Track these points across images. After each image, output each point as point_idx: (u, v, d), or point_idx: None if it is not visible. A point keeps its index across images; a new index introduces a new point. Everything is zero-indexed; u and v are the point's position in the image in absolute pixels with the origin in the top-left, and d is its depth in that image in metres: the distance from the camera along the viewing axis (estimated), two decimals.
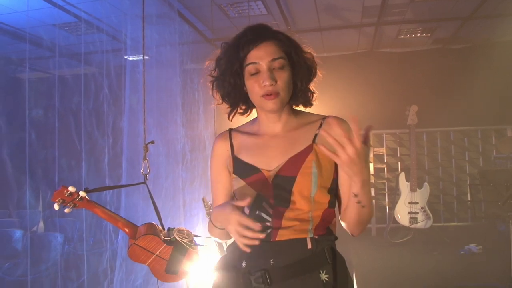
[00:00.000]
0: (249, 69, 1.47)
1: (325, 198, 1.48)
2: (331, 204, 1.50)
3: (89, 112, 4.61)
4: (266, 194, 1.47)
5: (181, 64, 5.39)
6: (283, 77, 1.46)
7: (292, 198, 1.44)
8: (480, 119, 6.70)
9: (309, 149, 1.48)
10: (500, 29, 6.27)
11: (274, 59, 1.45)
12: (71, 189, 2.26)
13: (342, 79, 6.68)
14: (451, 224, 6.84)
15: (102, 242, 4.81)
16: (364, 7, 5.56)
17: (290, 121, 1.57)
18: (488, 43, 6.82)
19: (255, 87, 1.47)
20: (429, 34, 6.71)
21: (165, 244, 2.34)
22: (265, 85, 1.44)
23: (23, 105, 4.56)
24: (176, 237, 2.36)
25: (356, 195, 1.34)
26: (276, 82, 1.44)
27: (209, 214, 3.38)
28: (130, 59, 5.06)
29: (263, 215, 1.47)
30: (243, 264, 1.48)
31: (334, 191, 1.51)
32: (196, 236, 2.46)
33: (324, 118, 1.57)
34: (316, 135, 1.52)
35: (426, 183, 6.04)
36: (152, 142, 2.79)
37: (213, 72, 1.59)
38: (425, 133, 7.05)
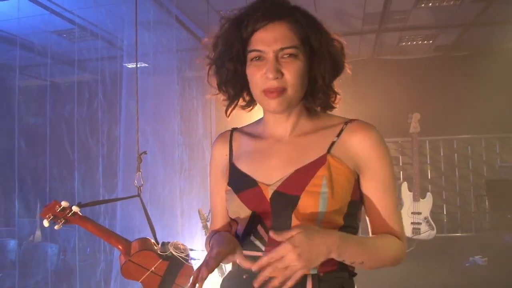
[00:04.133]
0: (252, 55, 1.18)
1: (335, 225, 1.17)
2: (343, 231, 1.16)
3: (82, 120, 4.52)
4: (263, 214, 1.18)
5: (179, 71, 5.32)
6: (293, 69, 1.14)
7: (293, 223, 1.14)
8: (484, 127, 6.61)
9: (321, 161, 1.17)
10: (503, 35, 6.20)
11: (283, 48, 1.14)
12: (64, 204, 2.14)
13: (342, 87, 6.57)
14: (455, 235, 6.72)
15: (100, 252, 4.71)
16: (365, 14, 5.50)
17: (302, 123, 1.27)
18: (490, 49, 6.74)
19: (256, 76, 1.17)
20: (430, 41, 6.64)
21: (160, 260, 2.24)
22: (267, 78, 1.14)
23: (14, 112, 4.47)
24: (173, 252, 2.25)
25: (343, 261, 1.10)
26: (282, 75, 1.14)
27: (205, 227, 3.28)
28: (129, 66, 4.99)
29: (257, 242, 1.19)
30: None
31: (352, 218, 1.21)
32: (192, 250, 2.35)
33: (346, 122, 1.25)
34: (333, 143, 1.20)
35: (429, 192, 5.93)
36: (145, 152, 2.68)
37: (210, 54, 1.27)
38: (427, 142, 6.96)
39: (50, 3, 4.54)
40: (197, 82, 5.81)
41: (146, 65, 5.14)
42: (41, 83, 5.88)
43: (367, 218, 1.26)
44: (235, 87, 1.26)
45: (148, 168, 4.91)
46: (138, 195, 2.63)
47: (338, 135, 1.22)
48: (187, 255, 2.27)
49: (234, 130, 1.40)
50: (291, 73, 1.15)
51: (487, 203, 5.54)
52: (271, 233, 1.03)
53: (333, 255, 1.05)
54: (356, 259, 1.11)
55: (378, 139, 1.21)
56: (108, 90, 4.59)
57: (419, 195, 5.80)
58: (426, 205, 5.81)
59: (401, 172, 7.03)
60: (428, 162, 6.98)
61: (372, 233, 1.24)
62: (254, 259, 1.08)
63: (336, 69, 1.26)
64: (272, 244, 1.09)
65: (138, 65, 5.16)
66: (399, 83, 6.89)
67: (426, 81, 6.82)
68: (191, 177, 5.55)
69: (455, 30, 6.23)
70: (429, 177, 6.96)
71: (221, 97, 1.30)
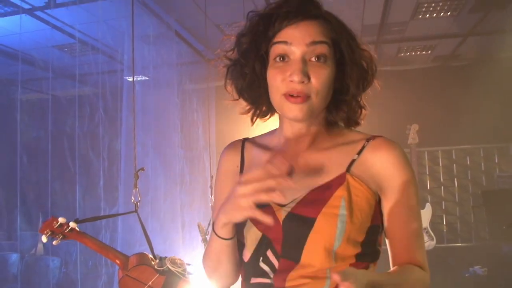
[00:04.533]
0: (275, 49, 1.05)
1: (353, 251, 1.04)
2: (361, 258, 1.05)
3: (83, 134, 4.56)
4: (274, 238, 1.05)
5: (179, 85, 5.37)
6: (322, 75, 1.02)
7: (305, 248, 1.02)
8: (482, 137, 6.61)
9: (339, 181, 1.05)
10: (501, 45, 6.21)
11: (314, 42, 1.02)
12: (61, 220, 2.18)
13: None
14: (455, 245, 6.71)
15: (101, 265, 4.73)
16: (363, 25, 5.53)
17: (322, 137, 1.14)
18: (489, 59, 6.75)
19: (277, 80, 1.04)
20: (429, 52, 6.66)
21: (158, 274, 2.26)
22: (291, 80, 1.01)
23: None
24: (169, 267, 2.28)
25: None
26: (308, 79, 1.01)
27: (204, 240, 3.30)
28: (129, 79, 5.03)
29: (265, 267, 1.06)
30: None
31: (372, 243, 1.08)
32: (188, 264, 2.37)
33: (369, 139, 1.12)
34: (353, 161, 1.08)
35: (428, 203, 5.91)
36: (142, 169, 2.71)
37: (230, 53, 1.14)
38: (426, 152, 6.96)
39: (51, 18, 4.60)
40: (197, 95, 5.85)
41: (147, 78, 5.19)
42: (43, 97, 5.93)
43: (387, 243, 1.12)
44: (259, 92, 1.13)
45: (149, 181, 4.94)
46: (135, 211, 2.66)
47: (359, 153, 1.10)
48: (184, 270, 2.29)
49: (246, 140, 1.27)
50: (319, 79, 1.03)
51: (485, 214, 5.54)
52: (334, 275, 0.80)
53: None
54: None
55: (403, 158, 1.09)
56: (108, 104, 4.63)
57: None
58: (425, 215, 5.80)
59: None
60: (427, 173, 6.97)
61: (393, 260, 1.10)
62: (264, 287, 1.05)
63: (365, 81, 1.14)
64: (282, 271, 1.03)
65: (139, 79, 5.22)
66: (398, 94, 6.90)
67: (424, 92, 6.83)
68: (192, 190, 5.57)
69: (453, 40, 6.26)
70: (428, 188, 6.95)
71: (242, 103, 1.18)
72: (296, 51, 1.02)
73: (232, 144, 1.27)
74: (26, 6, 4.33)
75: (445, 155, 6.99)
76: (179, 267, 2.29)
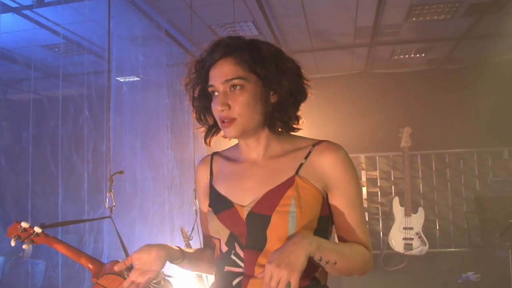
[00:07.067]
0: (210, 90, 1.31)
1: None
2: None
3: (67, 136, 4.46)
4: (239, 233, 1.28)
5: (169, 85, 5.28)
6: (239, 101, 1.26)
7: (267, 241, 1.24)
8: (476, 141, 6.57)
9: (289, 182, 1.26)
10: (494, 48, 6.19)
11: (227, 80, 1.26)
12: (24, 224, 2.09)
13: (335, 101, 6.57)
14: (448, 250, 6.67)
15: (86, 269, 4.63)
16: (356, 27, 5.49)
17: (273, 146, 1.36)
18: (483, 63, 6.72)
19: (214, 110, 1.30)
20: (423, 55, 6.63)
21: None
22: (217, 110, 1.28)
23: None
24: None
25: (319, 260, 1.17)
26: (229, 107, 1.26)
27: (188, 246, 3.22)
28: (121, 80, 4.95)
29: (236, 259, 1.29)
30: None
31: (323, 232, 1.30)
32: (168, 276, 2.26)
33: (314, 144, 1.33)
34: (301, 165, 1.29)
35: (421, 207, 5.88)
36: (121, 172, 2.62)
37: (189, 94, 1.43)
38: (419, 156, 6.91)
39: (39, 17, 4.51)
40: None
41: (136, 79, 5.11)
42: (24, 96, 5.82)
43: (335, 231, 1.35)
44: (208, 121, 1.41)
45: (137, 184, 4.86)
46: (110, 217, 2.57)
47: (306, 157, 1.31)
48: (158, 283, 2.18)
49: (214, 154, 1.51)
50: (237, 104, 1.26)
51: (477, 220, 5.49)
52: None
53: (313, 252, 1.14)
54: (331, 258, 1.18)
55: (344, 159, 1.29)
56: (94, 105, 4.54)
57: (410, 210, 5.75)
58: (418, 220, 5.76)
59: (392, 186, 6.99)
60: (420, 177, 6.94)
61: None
62: (237, 274, 1.27)
63: (294, 93, 1.33)
64: (249, 261, 1.26)
65: (128, 79, 5.15)
66: (391, 97, 6.88)
67: (418, 95, 6.81)
68: (182, 192, 5.49)
69: (447, 43, 6.24)
70: (421, 192, 6.91)
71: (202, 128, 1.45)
72: (218, 88, 1.28)
73: (204, 159, 1.52)
74: (14, 5, 4.25)
75: (438, 158, 6.95)
76: (154, 279, 2.17)
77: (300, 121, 1.37)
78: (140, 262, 1.28)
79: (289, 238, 1.22)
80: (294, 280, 1.08)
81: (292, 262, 1.09)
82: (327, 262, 1.18)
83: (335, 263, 1.19)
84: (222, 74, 1.27)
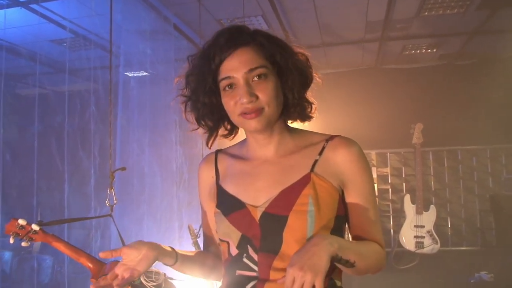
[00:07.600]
0: (223, 84, 1.22)
1: None
2: None
3: (73, 131, 4.41)
4: (252, 236, 1.22)
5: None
6: (266, 90, 1.19)
7: (283, 243, 1.19)
8: (489, 138, 6.44)
9: (305, 180, 1.21)
10: (508, 43, 6.08)
11: (251, 70, 1.18)
12: (21, 222, 2.02)
13: (346, 96, 6.52)
14: (460, 249, 6.58)
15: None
16: (367, 22, 5.42)
17: (285, 142, 1.30)
18: (496, 58, 6.61)
19: (231, 105, 1.21)
20: (434, 50, 6.54)
21: (129, 287, 2.09)
22: (242, 103, 1.18)
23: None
24: (142, 280, 2.10)
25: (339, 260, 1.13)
26: (257, 98, 1.18)
27: (195, 243, 3.16)
28: (129, 75, 4.90)
29: (249, 262, 1.22)
30: None
31: (339, 231, 1.25)
32: (171, 278, 2.18)
33: (328, 139, 1.28)
34: (315, 161, 1.24)
35: (432, 205, 5.80)
36: (123, 168, 2.56)
37: (184, 90, 1.31)
38: (431, 152, 6.83)
39: (46, 10, 4.48)
40: None
41: (146, 73, 5.07)
42: (30, 92, 5.78)
43: (349, 229, 1.31)
44: (213, 119, 1.30)
45: (145, 180, 4.81)
46: (110, 215, 2.50)
47: (320, 153, 1.26)
48: (159, 285, 2.10)
49: (218, 152, 1.43)
50: (265, 93, 1.19)
51: (492, 218, 5.40)
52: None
53: (335, 253, 1.09)
54: (350, 258, 1.13)
55: (359, 154, 1.26)
56: (101, 100, 4.49)
57: (422, 208, 5.68)
58: (429, 218, 5.69)
59: (403, 183, 6.92)
60: (432, 174, 6.85)
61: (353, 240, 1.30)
62: (250, 278, 1.20)
63: (305, 81, 1.29)
64: (263, 264, 1.19)
65: (136, 74, 5.10)
66: (402, 93, 6.80)
67: (429, 90, 6.72)
68: (190, 188, 5.45)
69: (460, 38, 6.15)
70: (433, 189, 6.83)
71: (202, 130, 1.34)
72: (239, 79, 1.19)
73: (207, 157, 1.43)
74: None
75: (451, 155, 6.87)
76: (154, 282, 2.10)
77: (313, 107, 1.33)
78: (127, 258, 1.22)
79: (307, 239, 1.17)
80: (319, 283, 1.03)
81: (315, 265, 1.05)
82: (346, 262, 1.14)
83: (354, 263, 1.15)
84: (243, 64, 1.19)
